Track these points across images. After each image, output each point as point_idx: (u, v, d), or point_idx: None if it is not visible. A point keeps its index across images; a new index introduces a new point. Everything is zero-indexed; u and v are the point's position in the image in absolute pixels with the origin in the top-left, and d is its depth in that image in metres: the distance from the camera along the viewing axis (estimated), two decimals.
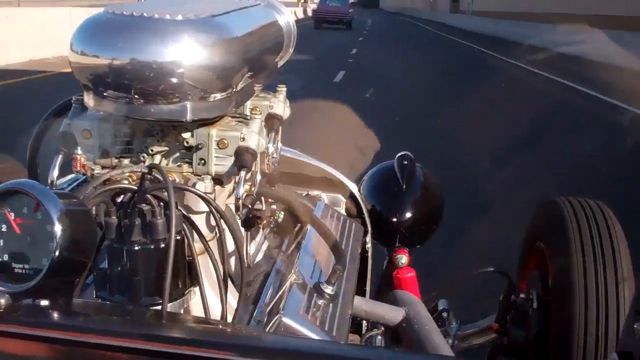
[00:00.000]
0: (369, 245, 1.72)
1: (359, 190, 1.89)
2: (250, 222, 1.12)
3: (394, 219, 1.85)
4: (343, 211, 1.70)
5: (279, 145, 1.26)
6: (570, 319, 1.60)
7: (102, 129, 1.05)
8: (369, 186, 1.92)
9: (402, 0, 62.64)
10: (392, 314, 1.38)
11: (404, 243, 1.87)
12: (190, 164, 1.05)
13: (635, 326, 0.65)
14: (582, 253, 1.64)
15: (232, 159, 1.03)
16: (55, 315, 0.74)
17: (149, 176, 0.98)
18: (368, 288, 1.74)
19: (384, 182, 1.90)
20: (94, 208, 1.03)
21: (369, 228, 1.72)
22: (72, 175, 1.23)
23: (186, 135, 1.04)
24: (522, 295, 1.80)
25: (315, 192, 1.67)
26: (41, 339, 0.69)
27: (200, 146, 1.03)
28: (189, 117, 1.00)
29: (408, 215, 1.85)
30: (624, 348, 0.68)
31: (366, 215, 1.73)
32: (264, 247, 1.36)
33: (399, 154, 1.94)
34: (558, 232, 1.74)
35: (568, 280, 1.64)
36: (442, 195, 1.97)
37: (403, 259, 1.83)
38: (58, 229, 0.72)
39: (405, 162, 1.90)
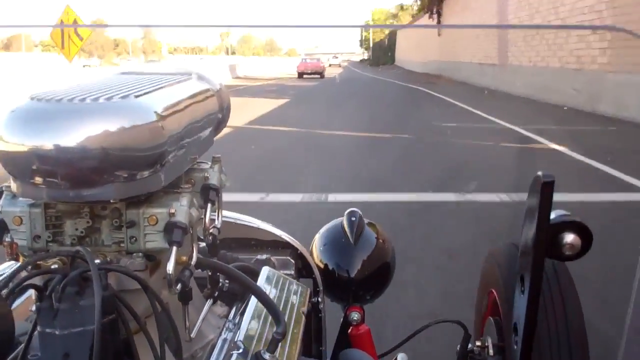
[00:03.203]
0: (321, 305, 1.72)
1: (311, 250, 1.91)
2: (186, 295, 1.12)
3: (346, 276, 1.86)
4: (293, 272, 1.71)
5: (220, 213, 1.28)
6: None
7: (32, 215, 1.05)
8: (319, 245, 1.94)
9: (443, 49, 35.85)
10: None
11: (357, 299, 1.88)
12: (122, 242, 1.05)
13: None
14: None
15: (163, 234, 1.04)
16: None
17: (79, 259, 0.98)
18: (324, 347, 1.74)
19: (333, 239, 1.92)
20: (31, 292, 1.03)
21: (320, 287, 1.73)
22: (10, 262, 1.22)
23: (115, 214, 1.05)
24: (477, 343, 1.82)
25: (264, 256, 1.68)
26: None
27: (130, 224, 1.04)
28: (115, 197, 1.01)
29: (359, 271, 1.87)
30: None
31: (317, 274, 1.75)
32: (210, 316, 1.37)
33: (347, 211, 1.96)
34: (507, 279, 1.77)
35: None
36: (393, 250, 1.99)
37: (356, 315, 1.84)
38: None
39: (354, 219, 1.92)
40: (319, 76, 43.79)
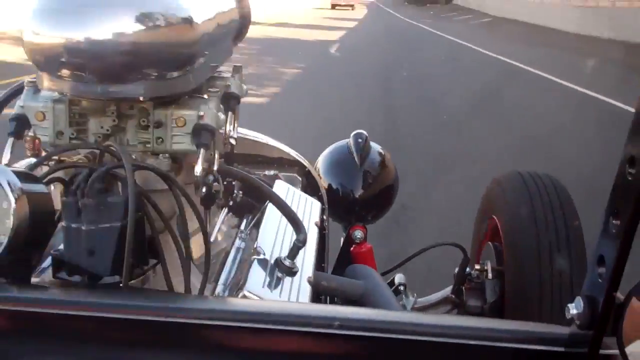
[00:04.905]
0: (326, 223, 1.74)
1: (315, 169, 1.91)
2: (210, 200, 1.12)
3: (350, 196, 1.88)
4: (300, 190, 1.72)
5: (237, 125, 1.27)
6: (523, 289, 1.65)
7: (56, 111, 1.04)
8: (324, 164, 1.94)
9: None
10: (351, 287, 1.40)
11: (359, 219, 1.90)
12: (148, 143, 1.04)
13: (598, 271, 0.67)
14: (535, 226, 1.69)
15: (190, 137, 1.04)
16: (15, 289, 0.74)
17: (106, 155, 0.97)
18: (326, 264, 1.76)
19: (339, 160, 1.93)
20: (51, 187, 1.02)
21: (326, 205, 1.74)
22: (31, 159, 1.21)
23: (142, 114, 1.03)
24: (476, 267, 1.85)
25: (271, 172, 1.68)
26: (1, 312, 0.70)
27: (157, 125, 1.03)
28: (144, 95, 0.99)
29: (363, 192, 1.89)
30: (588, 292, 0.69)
31: (323, 193, 1.76)
32: (223, 226, 1.37)
33: (354, 133, 1.96)
34: (511, 206, 1.79)
35: (521, 252, 1.69)
36: (396, 172, 2.00)
37: (359, 234, 1.87)
38: (14, 206, 0.72)
39: (360, 140, 1.93)
40: (350, 8, 47.60)
